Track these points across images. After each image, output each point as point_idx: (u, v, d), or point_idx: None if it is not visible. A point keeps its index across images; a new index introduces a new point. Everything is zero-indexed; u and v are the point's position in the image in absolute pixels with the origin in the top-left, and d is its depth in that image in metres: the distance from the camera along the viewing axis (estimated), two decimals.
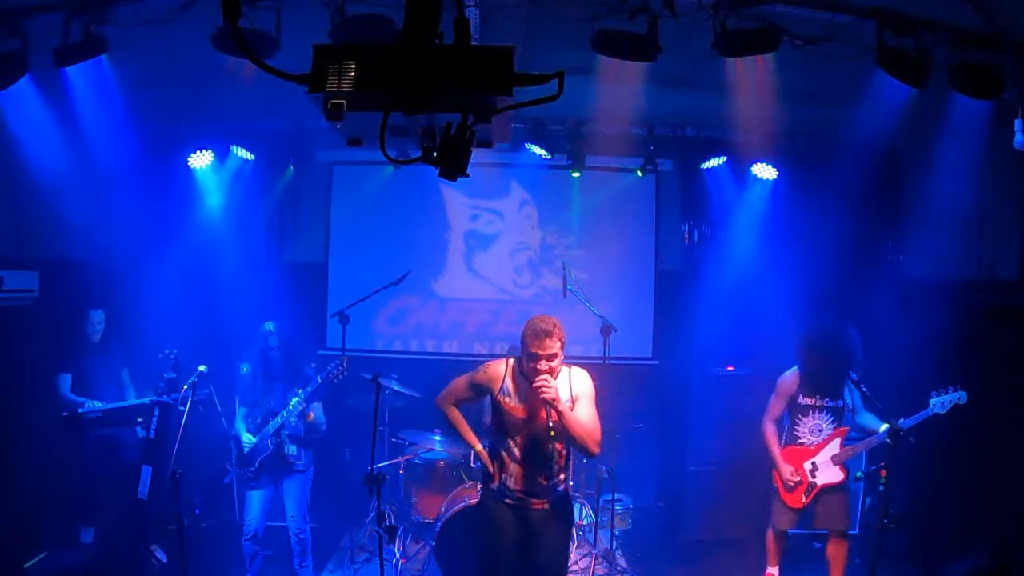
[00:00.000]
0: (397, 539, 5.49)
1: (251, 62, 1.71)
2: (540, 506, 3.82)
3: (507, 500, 3.83)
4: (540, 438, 3.70)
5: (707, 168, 6.99)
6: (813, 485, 4.97)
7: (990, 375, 5.26)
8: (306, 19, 3.91)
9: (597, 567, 5.55)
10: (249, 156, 6.83)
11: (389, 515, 4.18)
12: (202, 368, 4.63)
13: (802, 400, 5.02)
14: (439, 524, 5.11)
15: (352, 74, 1.67)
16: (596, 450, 3.69)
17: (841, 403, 5.00)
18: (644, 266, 7.53)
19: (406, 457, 5.77)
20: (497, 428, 3.85)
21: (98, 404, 5.60)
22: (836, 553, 4.98)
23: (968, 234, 5.91)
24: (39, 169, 5.54)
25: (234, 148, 6.71)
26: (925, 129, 5.25)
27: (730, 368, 6.77)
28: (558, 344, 3.64)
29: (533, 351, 3.62)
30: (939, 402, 4.56)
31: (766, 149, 6.63)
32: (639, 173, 7.07)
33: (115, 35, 4.28)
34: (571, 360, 3.91)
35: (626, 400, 6.60)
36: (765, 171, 6.77)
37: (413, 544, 5.75)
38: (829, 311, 5.96)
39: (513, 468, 3.78)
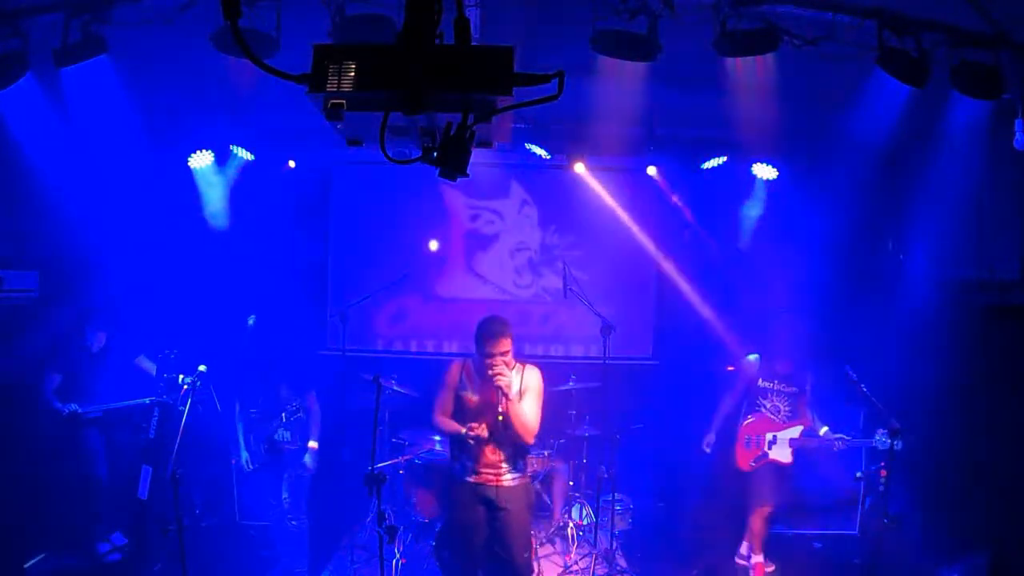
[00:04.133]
0: (397, 539, 5.49)
1: (251, 62, 1.71)
2: (497, 483, 4.25)
3: (468, 478, 4.28)
4: (492, 423, 4.15)
5: (707, 168, 6.99)
6: (765, 455, 5.42)
7: (990, 374, 5.26)
8: (306, 19, 3.91)
9: (597, 567, 5.54)
10: (249, 156, 6.83)
11: (389, 515, 4.19)
12: (202, 368, 4.64)
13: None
14: (439, 524, 5.11)
15: (352, 74, 1.67)
16: (531, 440, 4.21)
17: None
18: (644, 266, 7.53)
19: (406, 457, 5.77)
20: (458, 418, 4.30)
21: (75, 407, 5.57)
22: (755, 523, 5.51)
23: (968, 233, 5.91)
24: (39, 169, 5.54)
25: (234, 148, 6.70)
26: (925, 129, 5.25)
27: (730, 368, 6.76)
28: (509, 341, 4.13)
29: (488, 350, 4.10)
30: (881, 440, 4.82)
31: (766, 149, 6.62)
32: (652, 171, 7.06)
33: (115, 35, 4.28)
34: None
35: (626, 400, 6.61)
36: (765, 171, 6.76)
37: (413, 544, 5.74)
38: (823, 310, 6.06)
39: (473, 451, 4.24)
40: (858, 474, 5.40)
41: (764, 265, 6.84)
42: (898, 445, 4.72)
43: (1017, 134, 4.44)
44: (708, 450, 5.66)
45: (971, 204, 5.73)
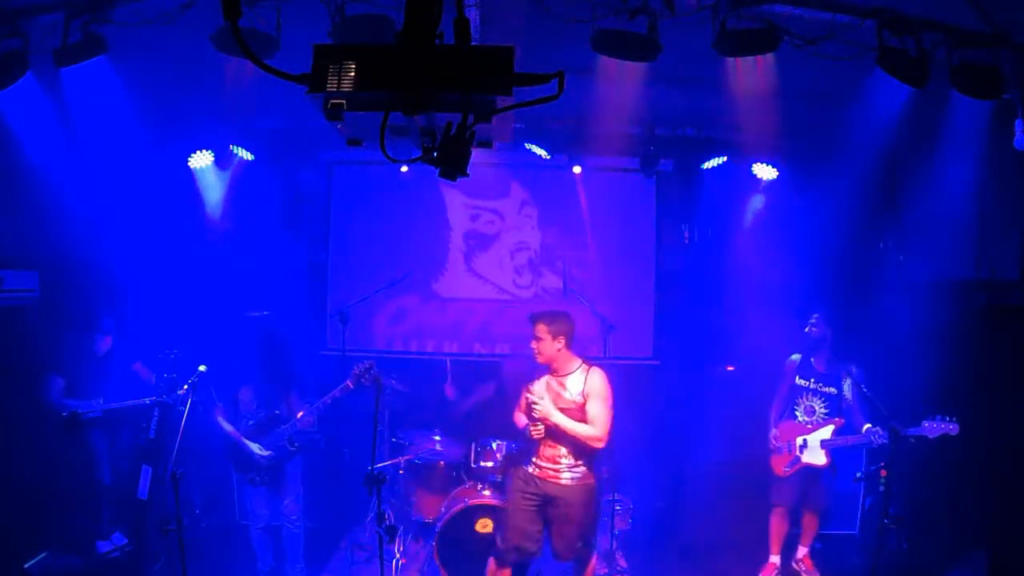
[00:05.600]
0: (397, 539, 5.49)
1: (251, 62, 1.71)
2: (556, 480, 4.42)
3: (528, 467, 4.52)
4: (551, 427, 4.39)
5: (707, 168, 6.99)
6: (797, 459, 5.44)
7: (990, 375, 5.26)
8: (306, 19, 3.91)
9: (597, 567, 5.54)
10: (249, 156, 6.82)
11: (389, 515, 4.22)
12: (202, 368, 4.64)
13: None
14: (439, 524, 5.11)
15: (352, 74, 1.67)
16: (597, 445, 4.36)
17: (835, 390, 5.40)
18: (644, 266, 7.53)
19: (406, 457, 5.77)
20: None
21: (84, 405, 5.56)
22: (808, 524, 5.65)
23: (968, 234, 5.90)
24: (40, 169, 5.54)
25: (234, 148, 6.70)
26: (925, 129, 5.25)
27: (730, 368, 6.76)
28: (543, 330, 4.42)
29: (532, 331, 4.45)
30: (930, 427, 4.79)
31: (766, 149, 6.62)
32: (651, 171, 7.06)
33: (115, 35, 4.28)
34: None
35: (626, 400, 6.59)
36: (765, 171, 6.76)
37: (413, 544, 5.75)
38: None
39: (534, 444, 4.51)
40: (858, 474, 5.36)
41: (764, 265, 6.84)
42: (954, 430, 4.75)
43: (1017, 134, 4.45)
44: (777, 444, 5.58)
45: (971, 204, 5.73)
